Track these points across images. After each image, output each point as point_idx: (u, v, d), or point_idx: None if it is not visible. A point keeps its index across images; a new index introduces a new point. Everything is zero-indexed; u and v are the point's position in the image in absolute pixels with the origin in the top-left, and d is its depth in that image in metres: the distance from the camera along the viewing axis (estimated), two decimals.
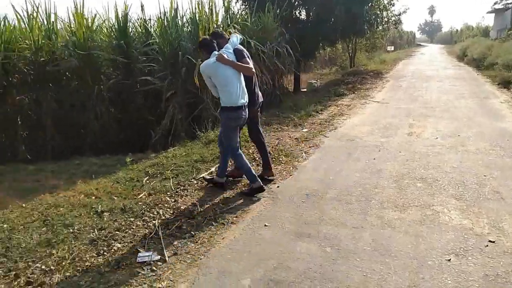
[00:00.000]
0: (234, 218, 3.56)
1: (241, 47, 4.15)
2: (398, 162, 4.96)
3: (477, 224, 3.28)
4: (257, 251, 3.00)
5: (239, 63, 3.92)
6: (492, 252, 2.86)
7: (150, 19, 8.27)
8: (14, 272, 2.77)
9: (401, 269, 2.69)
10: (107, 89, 7.35)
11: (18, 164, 5.97)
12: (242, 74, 4.00)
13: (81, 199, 4.03)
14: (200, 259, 2.93)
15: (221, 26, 8.07)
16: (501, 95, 9.84)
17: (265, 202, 3.89)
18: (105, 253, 3.02)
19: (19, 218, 3.63)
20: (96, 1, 8.29)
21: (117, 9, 7.83)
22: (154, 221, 3.51)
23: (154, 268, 2.82)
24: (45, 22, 7.11)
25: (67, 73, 7.27)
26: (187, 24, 8.02)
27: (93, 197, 4.09)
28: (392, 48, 33.30)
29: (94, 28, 7.59)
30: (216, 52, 3.91)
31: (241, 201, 3.94)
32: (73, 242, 3.17)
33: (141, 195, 4.11)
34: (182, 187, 4.32)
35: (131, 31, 8.03)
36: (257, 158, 5.07)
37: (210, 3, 7.76)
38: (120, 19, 7.61)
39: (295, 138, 6.24)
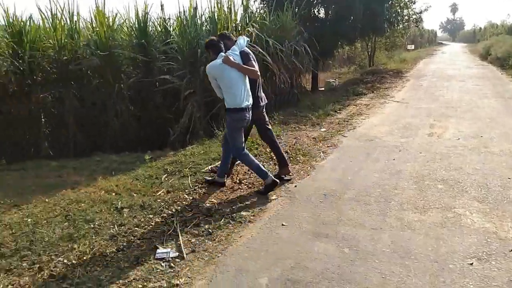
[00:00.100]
0: (252, 217, 3.57)
1: (247, 49, 4.17)
2: (418, 163, 4.87)
3: (501, 228, 3.19)
4: (275, 250, 3.00)
5: (244, 65, 3.95)
6: None
7: (169, 18, 8.35)
8: (38, 265, 2.85)
9: (421, 272, 2.65)
10: (127, 87, 7.46)
11: (41, 160, 6.12)
12: (247, 77, 4.03)
13: (101, 195, 4.11)
14: (218, 256, 2.94)
15: (240, 25, 8.08)
16: None
17: (282, 202, 3.88)
18: (124, 248, 3.07)
19: (43, 213, 3.73)
20: (117, 1, 8.43)
21: (137, 8, 7.91)
22: (172, 218, 3.55)
23: (172, 264, 2.86)
24: (68, 22, 7.26)
25: (88, 72, 7.40)
26: (205, 23, 8.07)
27: (113, 194, 4.16)
28: (413, 46, 32.61)
29: (115, 28, 7.72)
30: (222, 54, 3.95)
31: (258, 200, 3.94)
32: (94, 237, 3.24)
33: (159, 192, 4.17)
34: (200, 185, 4.36)
35: (151, 30, 8.12)
36: (274, 158, 5.05)
37: (229, 2, 7.78)
38: (141, 18, 7.71)
39: (313, 138, 6.20)
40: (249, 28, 7.88)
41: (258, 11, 10.62)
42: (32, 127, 6.81)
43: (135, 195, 4.12)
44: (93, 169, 5.45)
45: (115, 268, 2.81)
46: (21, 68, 6.66)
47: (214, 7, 7.72)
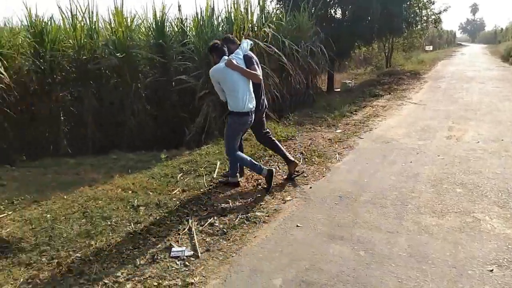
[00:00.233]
0: (266, 217, 3.57)
1: (251, 53, 4.20)
2: (436, 166, 4.78)
3: None
4: (289, 251, 2.99)
5: (247, 69, 3.97)
6: None
7: (186, 19, 8.41)
8: (56, 260, 2.91)
9: (439, 277, 2.60)
10: (144, 87, 7.55)
11: (60, 157, 6.24)
12: (250, 81, 4.05)
13: (118, 193, 4.17)
14: (232, 256, 2.95)
15: (256, 25, 8.08)
16: None
17: (297, 203, 3.87)
18: (140, 246, 3.11)
19: (61, 209, 3.81)
20: (135, 2, 8.53)
21: (155, 9, 8.00)
22: (187, 217, 3.58)
23: (187, 263, 2.87)
24: (88, 22, 7.39)
25: (107, 71, 7.52)
26: (222, 24, 8.10)
27: (130, 192, 4.22)
28: (431, 47, 32.06)
29: (133, 28, 7.82)
30: (226, 57, 3.98)
31: (273, 200, 3.94)
32: (110, 234, 3.29)
33: (175, 191, 4.20)
34: (214, 184, 4.38)
35: (168, 31, 8.20)
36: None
37: (246, 3, 7.79)
38: (158, 19, 7.79)
39: (329, 139, 6.15)
40: (265, 29, 7.87)
41: (274, 11, 10.60)
42: (52, 125, 6.96)
43: (151, 193, 4.17)
44: (110, 166, 5.54)
45: (131, 265, 2.85)
46: (42, 67, 6.82)
47: (231, 7, 7.75)
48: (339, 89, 12.81)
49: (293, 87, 8.71)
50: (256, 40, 7.43)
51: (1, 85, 5.91)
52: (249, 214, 3.62)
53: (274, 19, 9.01)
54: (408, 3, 13.46)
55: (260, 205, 3.83)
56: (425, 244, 3.02)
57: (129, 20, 7.55)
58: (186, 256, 2.96)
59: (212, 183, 4.42)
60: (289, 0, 10.06)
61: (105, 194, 4.14)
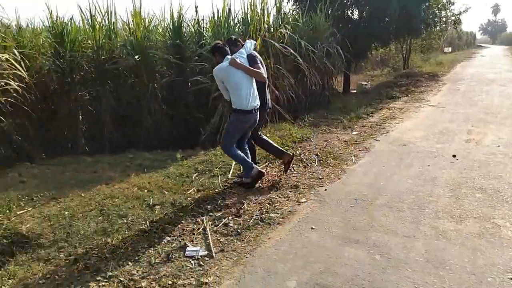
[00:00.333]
0: (280, 219, 3.56)
1: (255, 53, 4.24)
2: (455, 170, 4.68)
3: None
4: (304, 253, 2.97)
5: (251, 67, 4.00)
6: None
7: (203, 20, 8.47)
8: (73, 257, 2.96)
9: (457, 284, 2.54)
10: (161, 87, 7.63)
11: (78, 156, 6.36)
12: (254, 79, 4.08)
13: (134, 192, 4.22)
14: (246, 257, 2.95)
15: (272, 26, 8.08)
16: None
17: (312, 205, 3.84)
18: (155, 245, 3.14)
19: (79, 207, 3.88)
20: (153, 2, 8.64)
21: (172, 10, 8.07)
22: (202, 217, 3.60)
23: (201, 263, 2.89)
24: (106, 23, 7.52)
25: (124, 72, 7.63)
26: (238, 25, 8.12)
27: (146, 190, 4.27)
28: (450, 49, 31.49)
29: (150, 28, 7.92)
30: (229, 57, 4.02)
31: (288, 202, 3.92)
32: (126, 232, 3.33)
33: (190, 191, 4.23)
34: (229, 185, 4.39)
35: (185, 32, 8.27)
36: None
37: (263, 4, 7.79)
38: (175, 19, 7.86)
39: (344, 141, 6.10)
40: (281, 30, 7.86)
41: (290, 12, 10.58)
42: (71, 124, 7.10)
43: (166, 192, 4.21)
44: (126, 165, 5.61)
45: (146, 264, 2.88)
46: (62, 67, 6.96)
47: (247, 8, 7.76)
48: (355, 91, 12.70)
49: (308, 88, 8.68)
50: (272, 41, 7.43)
51: (22, 85, 6.04)
52: (263, 215, 3.61)
53: (290, 20, 8.99)
54: (427, 3, 13.25)
55: (275, 206, 3.82)
56: (442, 249, 2.96)
57: (147, 21, 7.65)
58: (201, 256, 2.97)
59: (226, 184, 4.43)
60: (306, 1, 10.04)
61: (121, 193, 4.19)
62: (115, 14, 7.77)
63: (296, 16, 9.44)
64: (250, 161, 4.30)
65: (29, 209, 3.92)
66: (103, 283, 2.66)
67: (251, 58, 4.09)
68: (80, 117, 7.23)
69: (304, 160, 5.15)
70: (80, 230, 3.38)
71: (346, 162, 5.11)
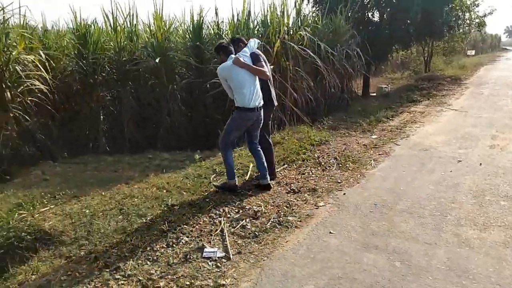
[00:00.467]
0: (298, 222, 3.53)
1: (258, 51, 4.24)
2: (478, 176, 4.56)
3: None
4: (321, 258, 2.94)
5: (254, 66, 4.00)
6: None
7: (222, 22, 8.52)
8: (94, 255, 3.02)
9: None
10: (180, 88, 7.71)
11: (99, 155, 6.49)
12: (257, 78, 4.08)
13: (153, 192, 4.27)
14: (264, 260, 2.94)
15: (292, 28, 8.06)
16: None
17: (330, 209, 3.80)
18: (174, 245, 3.16)
19: (99, 205, 3.95)
20: (174, 4, 8.73)
21: (192, 12, 8.15)
22: (219, 218, 3.60)
23: (219, 264, 2.89)
24: (128, 25, 7.65)
25: (145, 73, 7.75)
26: (258, 27, 8.13)
27: (164, 191, 4.31)
28: (473, 52, 30.68)
29: (171, 31, 8.01)
30: (233, 55, 4.04)
31: (305, 205, 3.89)
32: (145, 231, 3.37)
33: (208, 192, 4.25)
34: (247, 187, 4.38)
35: (205, 34, 8.33)
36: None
37: (282, 6, 7.77)
38: (195, 22, 7.93)
39: (364, 145, 6.02)
40: (301, 32, 7.83)
41: (310, 14, 10.52)
42: (92, 124, 7.25)
43: (184, 193, 4.24)
44: (145, 165, 5.69)
45: (164, 264, 2.90)
46: (85, 68, 7.12)
47: (267, 10, 7.76)
48: (374, 94, 12.52)
49: (327, 91, 8.61)
50: (291, 43, 7.41)
51: (46, 87, 6.20)
52: (281, 218, 3.59)
53: (310, 22, 8.94)
54: (450, 5, 12.95)
55: (292, 209, 3.80)
56: (465, 258, 2.88)
57: (167, 24, 7.74)
58: (218, 257, 2.98)
59: (244, 185, 4.43)
60: (326, 3, 9.97)
61: (141, 192, 4.25)
62: (137, 16, 7.90)
63: (316, 19, 9.38)
64: (262, 168, 4.29)
65: (51, 206, 4.02)
66: (122, 282, 2.69)
67: (254, 57, 4.11)
68: (102, 117, 7.38)
69: (323, 163, 5.11)
70: (100, 228, 3.44)
71: (366, 166, 5.04)
